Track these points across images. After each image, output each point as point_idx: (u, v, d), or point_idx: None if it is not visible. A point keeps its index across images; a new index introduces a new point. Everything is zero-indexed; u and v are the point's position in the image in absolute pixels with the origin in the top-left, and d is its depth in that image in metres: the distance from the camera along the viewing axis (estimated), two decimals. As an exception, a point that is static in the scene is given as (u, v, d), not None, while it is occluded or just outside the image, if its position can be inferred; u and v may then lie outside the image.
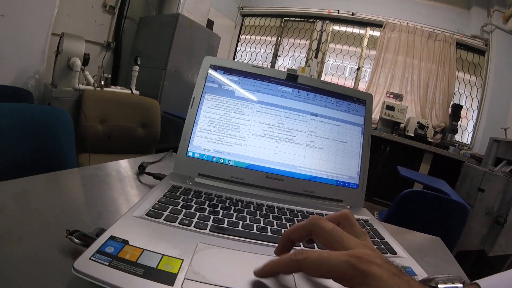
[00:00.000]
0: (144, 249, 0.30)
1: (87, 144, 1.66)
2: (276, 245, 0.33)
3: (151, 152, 2.00)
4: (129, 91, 2.26)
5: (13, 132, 0.81)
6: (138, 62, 2.31)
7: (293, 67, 3.98)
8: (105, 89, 2.09)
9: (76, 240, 0.33)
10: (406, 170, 2.07)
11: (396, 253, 0.41)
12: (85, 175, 0.61)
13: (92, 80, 2.06)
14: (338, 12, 3.89)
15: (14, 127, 0.82)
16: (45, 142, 0.89)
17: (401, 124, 3.39)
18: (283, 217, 0.45)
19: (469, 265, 2.18)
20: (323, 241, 0.29)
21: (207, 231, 0.37)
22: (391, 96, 3.55)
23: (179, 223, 0.37)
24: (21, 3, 1.98)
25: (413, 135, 3.25)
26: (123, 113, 1.87)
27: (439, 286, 0.27)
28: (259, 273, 0.29)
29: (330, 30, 4.05)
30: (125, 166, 0.69)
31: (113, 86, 2.27)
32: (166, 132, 2.04)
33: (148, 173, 0.62)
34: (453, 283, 0.27)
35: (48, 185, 0.54)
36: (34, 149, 0.86)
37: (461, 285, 0.27)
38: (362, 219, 0.52)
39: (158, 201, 0.42)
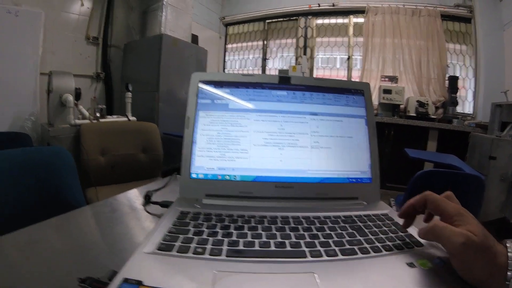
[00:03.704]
0: (159, 288, 0.29)
1: (91, 178, 1.65)
2: (296, 260, 0.35)
3: (157, 175, 1.98)
4: (126, 119, 2.26)
5: (15, 180, 0.79)
6: (130, 88, 2.31)
7: (284, 67, 3.97)
8: (101, 120, 2.09)
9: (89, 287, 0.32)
10: (414, 151, 2.03)
11: (422, 245, 0.39)
12: (91, 214, 0.60)
13: (87, 114, 2.06)
14: (319, 6, 3.89)
15: (16, 175, 0.79)
16: (49, 184, 0.87)
17: (401, 106, 3.37)
18: (299, 227, 0.43)
19: (493, 235, 2.13)
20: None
21: (223, 256, 0.35)
22: (386, 79, 3.52)
23: (192, 253, 0.35)
24: (5, 48, 2.00)
25: (414, 114, 3.22)
26: (123, 142, 1.87)
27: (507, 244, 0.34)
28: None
29: (314, 24, 4.04)
30: (130, 198, 0.68)
31: (109, 116, 2.27)
32: (169, 153, 2.02)
33: (154, 202, 0.60)
34: None
35: (55, 231, 0.52)
36: (40, 193, 0.83)
37: None
38: (381, 214, 0.50)
39: (168, 232, 0.40)
